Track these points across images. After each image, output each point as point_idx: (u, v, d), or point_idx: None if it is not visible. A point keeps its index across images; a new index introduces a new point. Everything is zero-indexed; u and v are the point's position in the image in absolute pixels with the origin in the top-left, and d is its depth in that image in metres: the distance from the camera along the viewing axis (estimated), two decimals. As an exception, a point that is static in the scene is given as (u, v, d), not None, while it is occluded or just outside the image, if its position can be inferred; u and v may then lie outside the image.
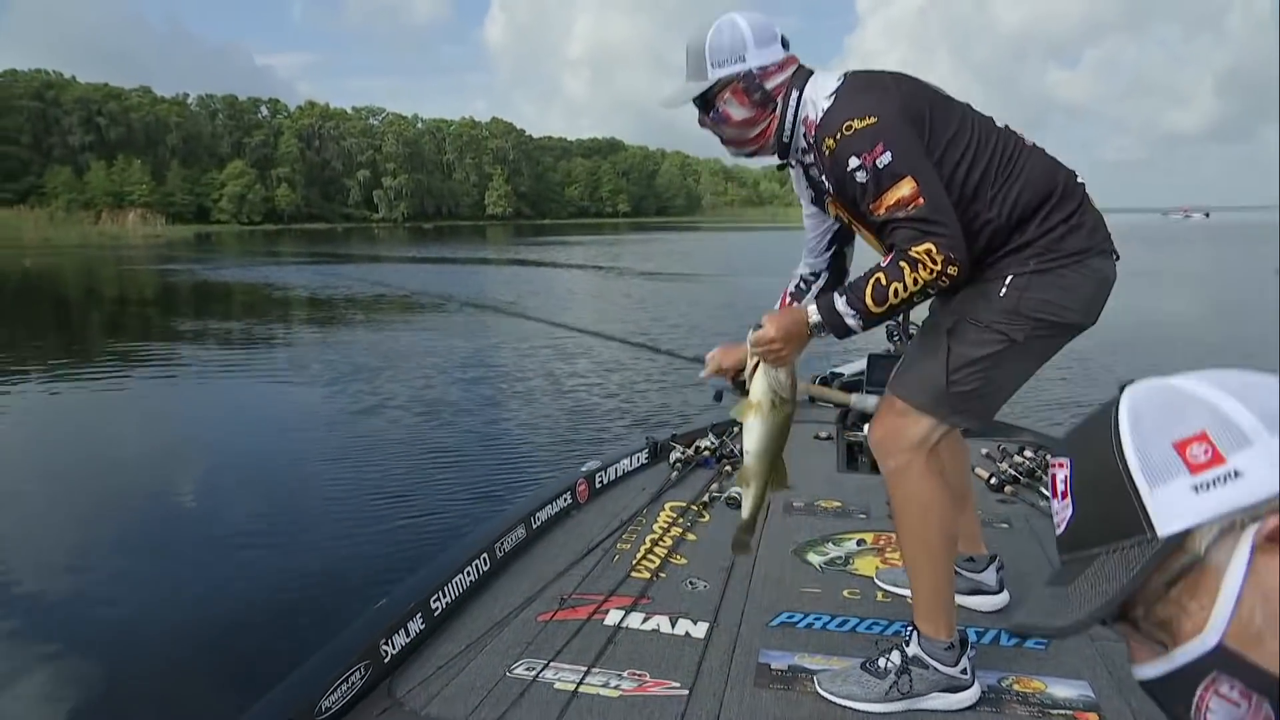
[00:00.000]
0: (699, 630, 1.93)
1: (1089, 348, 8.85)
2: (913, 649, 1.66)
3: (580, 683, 1.70)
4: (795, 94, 1.63)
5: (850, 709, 1.63)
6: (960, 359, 1.61)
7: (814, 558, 2.36)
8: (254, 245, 39.80)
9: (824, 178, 1.65)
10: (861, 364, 3.90)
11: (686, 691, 1.67)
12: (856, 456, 3.34)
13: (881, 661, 1.67)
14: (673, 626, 1.95)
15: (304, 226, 73.87)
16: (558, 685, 1.70)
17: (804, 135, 1.65)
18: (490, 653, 1.84)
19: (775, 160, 1.75)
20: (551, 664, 1.77)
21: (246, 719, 1.48)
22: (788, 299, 1.95)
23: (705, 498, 2.75)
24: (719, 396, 2.06)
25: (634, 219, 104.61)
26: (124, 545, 3.79)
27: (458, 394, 6.89)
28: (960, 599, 1.86)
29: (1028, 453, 3.24)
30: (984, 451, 3.33)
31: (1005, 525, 2.63)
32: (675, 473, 3.08)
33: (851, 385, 3.99)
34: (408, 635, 1.83)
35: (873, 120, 1.50)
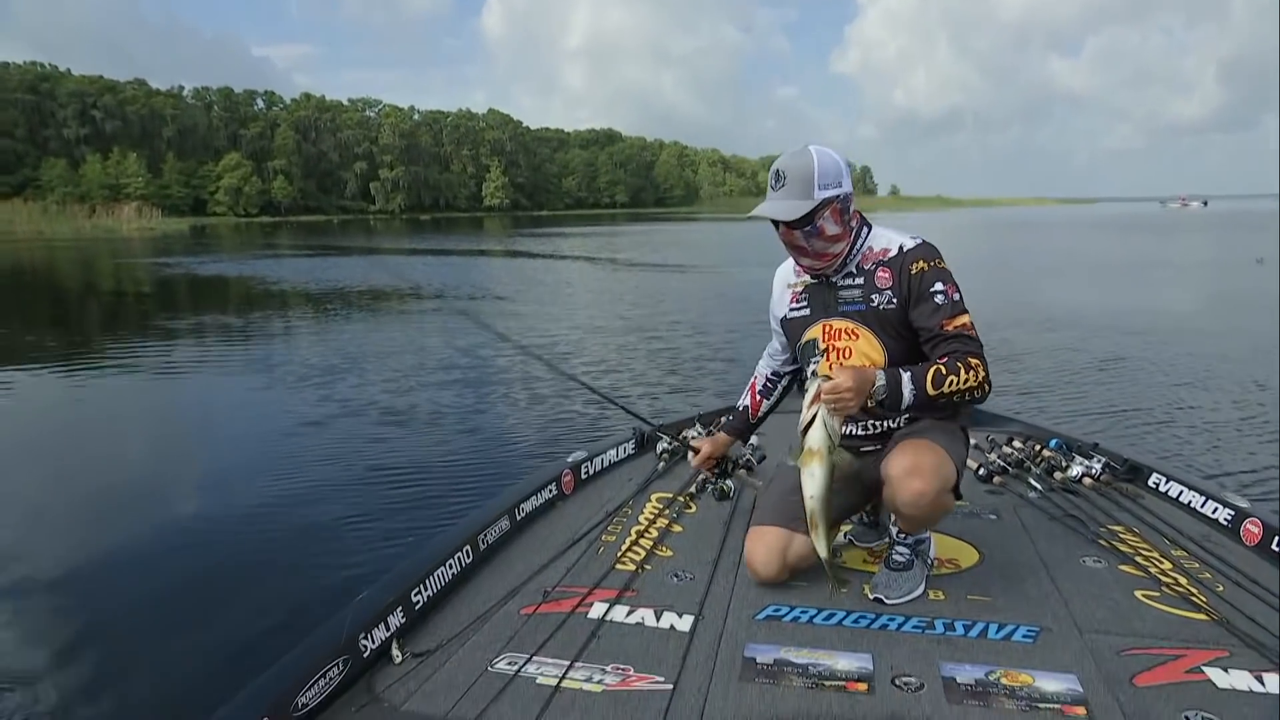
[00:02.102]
0: (684, 624, 1.91)
1: (1072, 340, 8.86)
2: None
3: (563, 677, 1.67)
4: (865, 229, 2.05)
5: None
6: (963, 465, 2.06)
7: None
8: (250, 238, 39.67)
9: (872, 296, 2.00)
10: None
11: (671, 686, 1.65)
12: None
13: (899, 558, 2.05)
14: (657, 620, 1.93)
15: (300, 219, 73.77)
16: (540, 680, 1.67)
17: (859, 263, 2.03)
18: (472, 647, 1.81)
19: (816, 268, 2.06)
20: (534, 658, 1.74)
21: (222, 715, 1.45)
22: (756, 394, 2.41)
23: (692, 489, 2.73)
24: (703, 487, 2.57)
25: (631, 209, 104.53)
26: (97, 540, 3.72)
27: (442, 385, 6.83)
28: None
29: (1016, 443, 3.22)
30: (972, 442, 3.31)
31: (994, 516, 2.61)
32: (662, 463, 3.05)
33: None
34: (387, 629, 1.80)
35: (948, 269, 2.00)
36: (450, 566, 2.09)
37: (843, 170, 1.97)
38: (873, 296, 2.00)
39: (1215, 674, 1.67)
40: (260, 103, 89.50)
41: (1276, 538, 2.24)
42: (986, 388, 1.91)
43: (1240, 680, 1.65)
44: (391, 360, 7.92)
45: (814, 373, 1.89)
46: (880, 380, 1.85)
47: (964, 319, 1.94)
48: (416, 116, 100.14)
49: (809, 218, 1.94)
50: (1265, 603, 1.96)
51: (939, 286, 1.94)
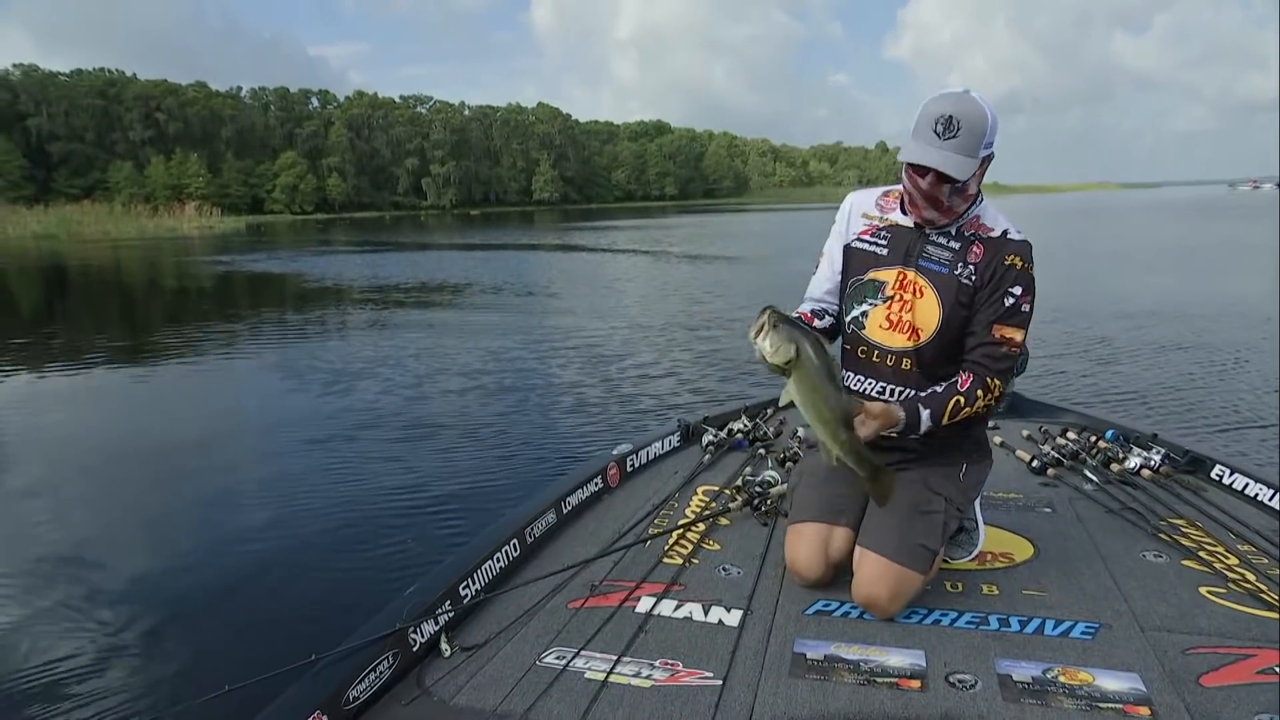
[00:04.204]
0: (732, 618, 1.89)
1: (1127, 328, 8.54)
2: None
3: (611, 672, 1.67)
4: (980, 197, 1.97)
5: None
6: (947, 534, 2.00)
7: None
8: (305, 235, 40.65)
9: (959, 264, 1.92)
10: None
11: (720, 681, 1.63)
12: None
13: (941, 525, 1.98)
14: (705, 614, 1.91)
15: (354, 215, 75.31)
16: (588, 674, 1.67)
17: (962, 228, 1.95)
18: (520, 641, 1.82)
19: (935, 221, 1.95)
20: (582, 652, 1.74)
21: (274, 708, 1.47)
22: (810, 316, 2.15)
23: (739, 481, 2.69)
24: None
25: (680, 201, 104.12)
26: (149, 531, 3.85)
27: (490, 379, 6.92)
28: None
29: (1070, 434, 3.12)
30: (1025, 433, 3.22)
31: (1048, 510, 2.53)
32: (708, 456, 3.03)
33: None
34: (436, 623, 1.81)
35: (1034, 278, 1.94)
36: (498, 560, 2.10)
37: (996, 129, 1.85)
38: (959, 265, 1.91)
39: None
40: (315, 102, 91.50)
41: None
42: (995, 406, 1.96)
43: None
44: (441, 357, 8.04)
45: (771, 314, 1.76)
46: (900, 420, 1.84)
47: (1018, 334, 1.90)
48: (467, 112, 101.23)
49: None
50: None
51: (1017, 290, 1.89)
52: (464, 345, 8.65)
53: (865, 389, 2.02)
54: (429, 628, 1.80)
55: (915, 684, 1.62)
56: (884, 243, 1.99)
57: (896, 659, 1.70)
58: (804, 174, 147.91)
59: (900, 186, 1.98)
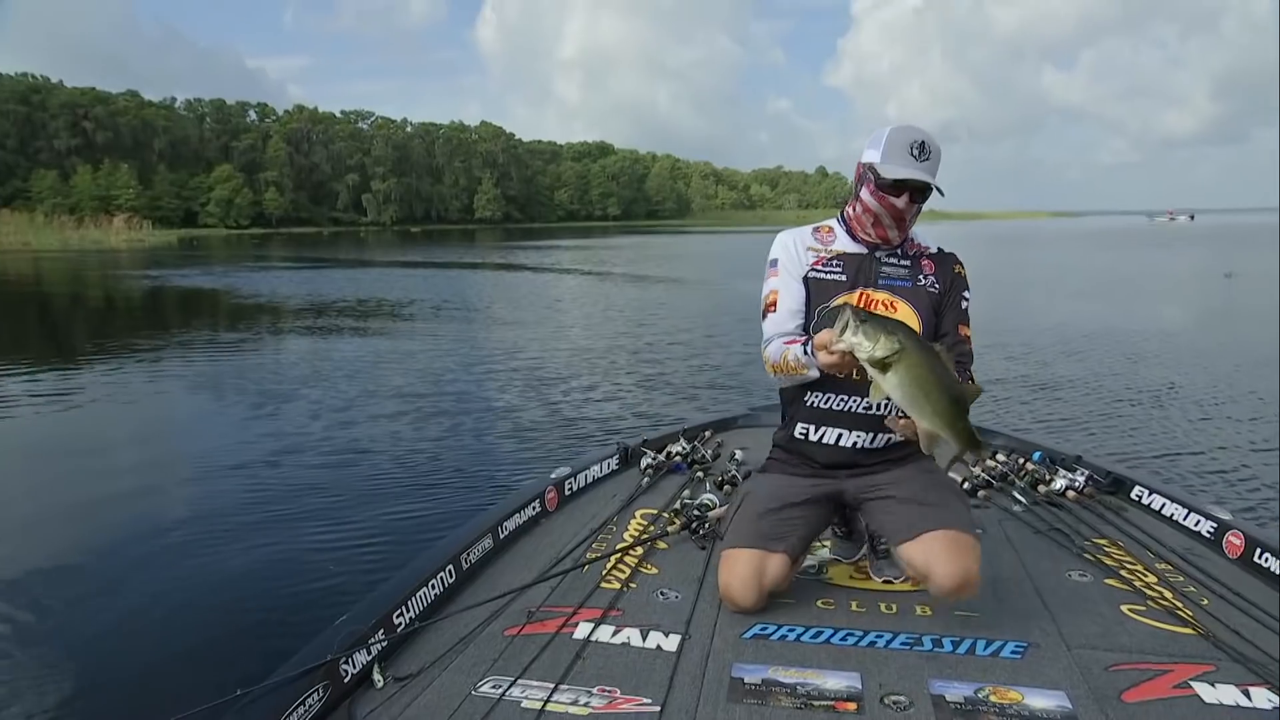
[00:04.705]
0: (670, 643, 1.87)
1: (1052, 353, 8.90)
2: None
3: (548, 700, 1.64)
4: None
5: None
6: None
7: None
8: (240, 250, 39.57)
9: (919, 277, 2.06)
10: None
11: (658, 708, 1.62)
12: None
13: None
14: (643, 639, 1.89)
15: (292, 230, 73.62)
16: (525, 703, 1.64)
17: (905, 248, 2.09)
18: (455, 670, 1.77)
19: (893, 240, 2.07)
20: (519, 681, 1.71)
21: None
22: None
23: (677, 504, 2.69)
24: None
25: (623, 222, 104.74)
26: (60, 563, 3.62)
27: (427, 401, 6.77)
28: None
29: (1000, 457, 3.21)
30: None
31: (979, 531, 2.59)
32: (646, 479, 3.02)
33: None
34: (369, 653, 1.76)
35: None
36: (433, 587, 2.05)
37: None
38: (919, 277, 2.06)
39: (1203, 689, 1.66)
40: (253, 114, 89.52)
41: (1258, 549, 2.24)
42: None
43: (1227, 695, 1.64)
44: (378, 378, 7.86)
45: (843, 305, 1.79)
46: None
47: (970, 330, 2.08)
48: (409, 128, 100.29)
49: (922, 193, 2.01)
50: (1249, 615, 1.96)
51: (966, 295, 2.10)
52: (401, 366, 8.49)
53: (851, 407, 2.04)
54: (361, 658, 1.74)
55: (851, 706, 1.63)
56: (838, 269, 2.06)
57: (833, 682, 1.71)
58: (745, 197, 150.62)
59: (829, 223, 2.13)
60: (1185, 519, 2.56)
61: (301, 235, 63.66)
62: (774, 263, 2.12)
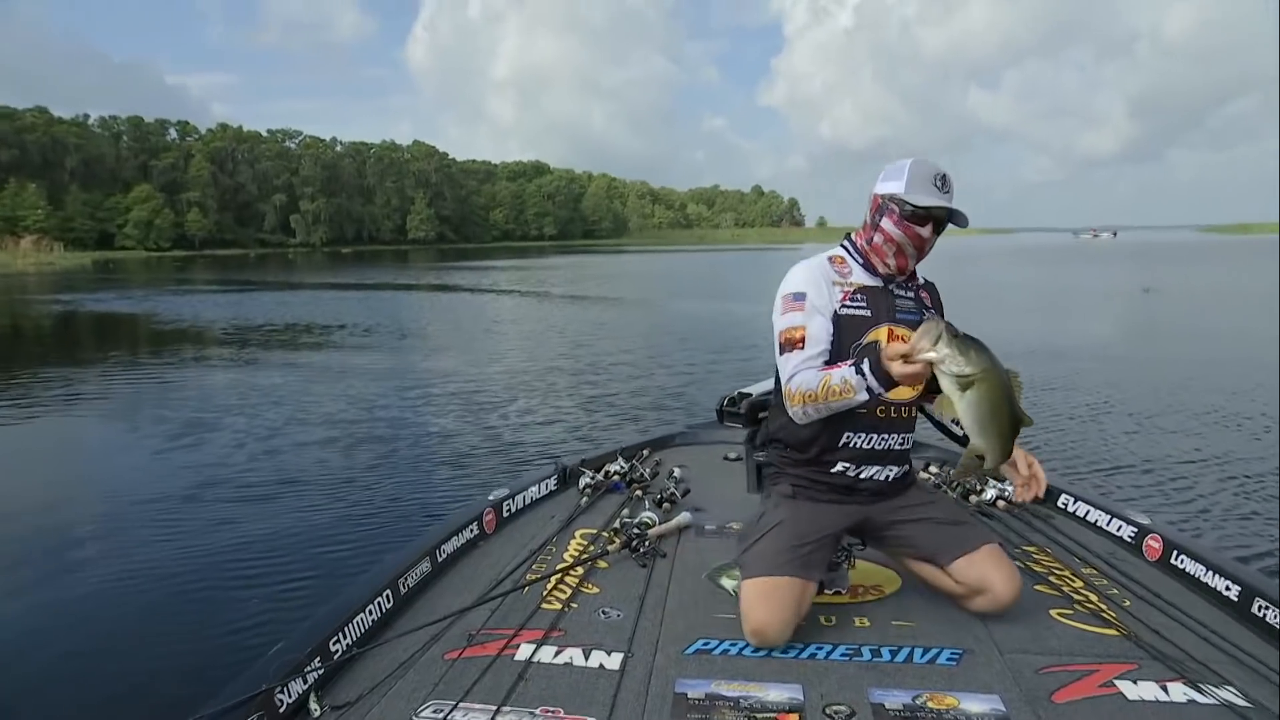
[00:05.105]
0: (613, 661, 1.86)
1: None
2: None
3: None
4: None
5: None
6: None
7: (728, 582, 2.32)
8: (161, 273, 38.05)
9: (924, 310, 2.13)
10: (769, 384, 3.91)
11: None
12: (765, 477, 3.32)
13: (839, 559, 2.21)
14: (586, 659, 1.88)
15: (216, 252, 71.26)
16: None
17: (910, 279, 2.15)
18: (395, 696, 1.73)
19: (905, 269, 2.11)
20: (460, 705, 1.67)
21: None
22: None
23: (616, 523, 2.68)
24: None
25: (559, 242, 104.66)
26: None
27: (361, 427, 6.62)
28: None
29: (933, 469, 3.29)
30: None
31: None
32: (585, 499, 3.01)
33: (761, 404, 4.00)
34: (305, 682, 1.70)
35: None
36: (370, 613, 2.00)
37: None
38: (922, 310, 2.12)
39: (1125, 686, 1.74)
40: (173, 133, 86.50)
41: (1175, 552, 2.35)
42: None
43: (1148, 691, 1.72)
44: (307, 405, 7.64)
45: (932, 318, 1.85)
46: None
47: None
48: (339, 147, 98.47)
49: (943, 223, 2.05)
50: (1167, 615, 2.06)
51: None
52: (333, 392, 8.27)
53: (892, 445, 2.08)
54: (297, 687, 1.68)
55: (794, 717, 1.64)
56: (863, 304, 2.06)
57: (775, 694, 1.72)
58: (682, 216, 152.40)
59: (839, 252, 2.14)
60: (1108, 524, 2.67)
61: (227, 257, 61.65)
62: (799, 297, 2.03)
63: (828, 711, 1.65)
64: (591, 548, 2.56)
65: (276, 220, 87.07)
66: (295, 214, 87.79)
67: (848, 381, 1.86)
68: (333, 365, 10.28)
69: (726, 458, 3.59)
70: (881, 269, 2.09)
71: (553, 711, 1.66)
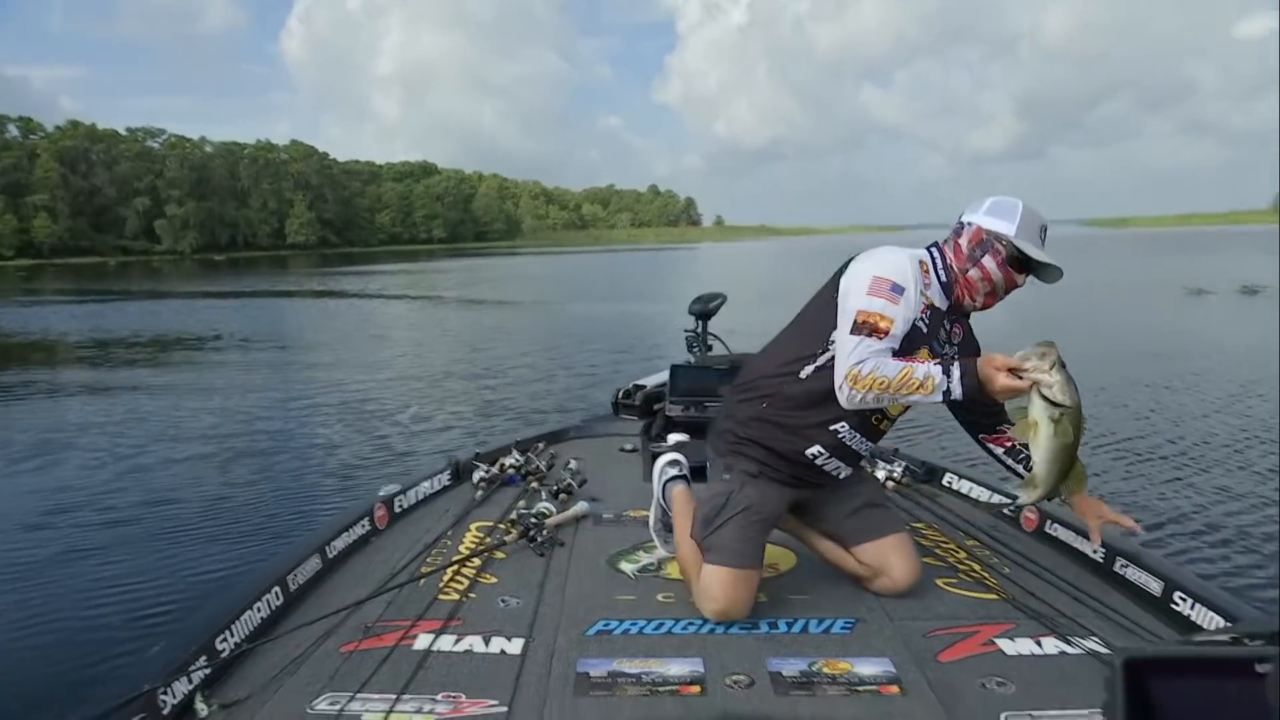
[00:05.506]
0: (514, 647, 1.86)
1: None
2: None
3: (390, 711, 1.58)
4: None
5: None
6: None
7: (626, 566, 2.34)
8: (2, 283, 34.82)
9: (947, 344, 2.07)
10: (664, 375, 3.97)
11: (505, 708, 1.60)
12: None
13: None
14: (486, 645, 1.87)
15: (69, 261, 65.89)
16: (366, 716, 1.57)
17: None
18: (288, 691, 1.67)
19: (979, 308, 2.09)
20: (358, 695, 1.63)
21: None
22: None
23: (513, 515, 2.66)
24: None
25: (450, 245, 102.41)
26: None
27: (241, 441, 6.28)
28: None
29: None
30: None
31: None
32: (480, 492, 2.97)
33: (655, 396, 4.05)
34: (191, 681, 1.62)
35: None
36: (258, 610, 1.93)
37: None
38: (948, 345, 2.09)
39: (1004, 644, 1.87)
40: (14, 130, 79.26)
41: (1049, 521, 2.54)
42: None
43: (1024, 646, 1.86)
44: (171, 420, 7.20)
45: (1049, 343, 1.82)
46: None
47: None
48: (209, 148, 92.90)
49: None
50: (1041, 579, 2.23)
51: None
52: (208, 406, 7.79)
53: (863, 449, 2.10)
54: (182, 687, 1.60)
55: (695, 689, 1.68)
56: (928, 322, 2.02)
57: (677, 668, 1.75)
58: (578, 217, 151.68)
59: (925, 259, 2.04)
60: (988, 499, 2.87)
61: (82, 266, 57.07)
62: (899, 290, 1.94)
63: (728, 682, 1.69)
64: (488, 539, 2.54)
65: (139, 226, 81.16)
66: (160, 219, 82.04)
67: (931, 378, 1.86)
68: (207, 378, 9.70)
69: (623, 449, 3.62)
70: (966, 302, 2.04)
71: (454, 697, 1.65)
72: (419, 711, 1.60)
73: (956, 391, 1.84)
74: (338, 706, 1.60)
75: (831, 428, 2.03)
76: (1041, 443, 1.79)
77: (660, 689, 1.68)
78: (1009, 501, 2.70)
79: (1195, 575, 2.22)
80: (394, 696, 1.63)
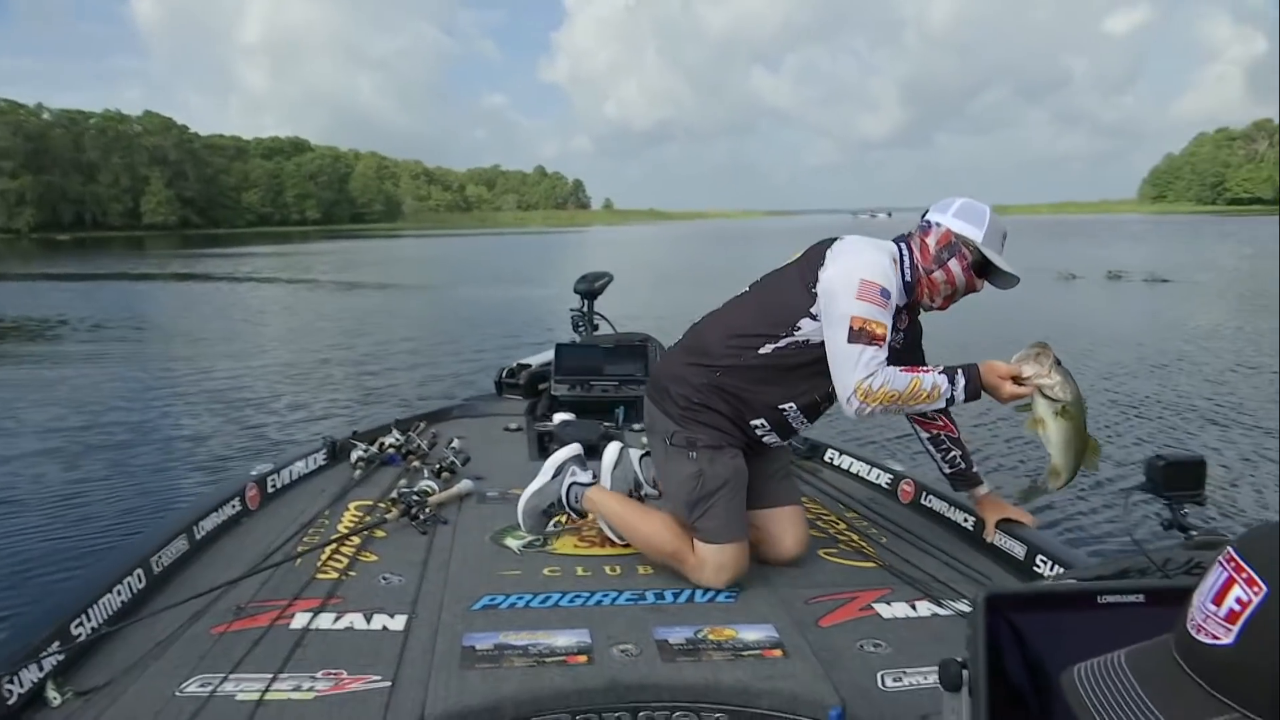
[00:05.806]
0: (397, 623, 1.83)
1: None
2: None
3: (266, 690, 1.53)
4: None
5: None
6: None
7: (512, 542, 2.33)
8: None
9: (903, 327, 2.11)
10: (549, 354, 3.95)
11: (389, 683, 1.58)
12: (547, 446, 3.34)
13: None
14: (368, 622, 1.84)
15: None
16: (240, 696, 1.51)
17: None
18: (153, 675, 1.59)
19: (936, 309, 2.12)
20: (231, 676, 1.57)
21: None
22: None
23: (394, 494, 2.60)
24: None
25: (326, 226, 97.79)
26: None
27: (86, 435, 5.82)
28: None
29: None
30: None
31: None
32: (358, 472, 2.88)
33: (540, 375, 4.03)
34: (41, 669, 1.52)
35: None
36: (119, 593, 1.82)
37: None
38: (903, 332, 2.12)
39: (881, 608, 1.99)
40: None
41: (924, 493, 2.69)
42: None
43: (900, 610, 1.98)
44: (7, 411, 6.59)
45: (1043, 344, 1.90)
46: None
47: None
48: (47, 115, 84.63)
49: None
50: (917, 548, 2.37)
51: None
52: (52, 396, 7.20)
53: (794, 423, 2.13)
54: (30, 675, 1.50)
55: (583, 659, 1.69)
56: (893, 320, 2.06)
57: (563, 639, 1.76)
58: (462, 198, 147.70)
59: (894, 254, 2.03)
60: (868, 474, 3.01)
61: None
62: (886, 294, 1.94)
63: (615, 651, 1.72)
64: (368, 518, 2.48)
65: (-35, 202, 73.28)
66: (-9, 195, 74.35)
67: (938, 388, 1.90)
68: (51, 366, 8.92)
69: (507, 428, 3.58)
70: (925, 301, 2.07)
71: (335, 673, 1.61)
72: (297, 689, 1.55)
73: (960, 399, 1.92)
74: (209, 688, 1.54)
75: (780, 406, 2.08)
76: (1053, 436, 1.91)
77: (547, 659, 1.69)
78: (890, 477, 2.85)
79: (1056, 539, 2.42)
80: (270, 676, 1.58)
